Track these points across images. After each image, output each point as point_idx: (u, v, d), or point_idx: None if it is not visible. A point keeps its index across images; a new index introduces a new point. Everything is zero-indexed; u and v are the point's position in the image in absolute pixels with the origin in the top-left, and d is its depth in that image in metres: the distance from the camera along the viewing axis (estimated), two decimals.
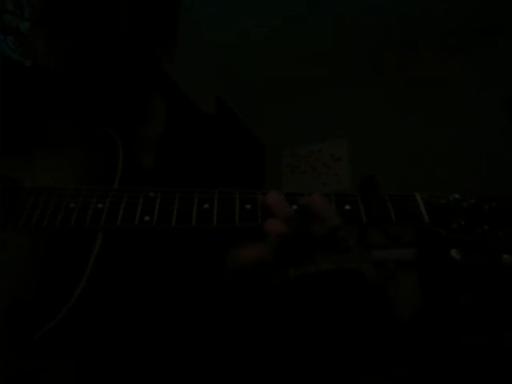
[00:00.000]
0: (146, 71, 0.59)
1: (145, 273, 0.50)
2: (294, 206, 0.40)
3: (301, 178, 2.98)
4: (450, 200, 0.44)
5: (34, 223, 0.39)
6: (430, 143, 2.56)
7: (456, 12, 2.34)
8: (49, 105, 0.54)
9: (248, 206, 0.40)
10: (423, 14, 2.36)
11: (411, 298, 1.95)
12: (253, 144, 3.01)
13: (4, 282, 0.36)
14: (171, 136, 0.64)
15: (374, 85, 2.89)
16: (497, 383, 1.22)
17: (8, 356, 0.35)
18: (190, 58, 2.28)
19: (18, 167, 0.44)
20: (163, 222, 0.39)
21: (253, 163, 2.91)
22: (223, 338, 0.53)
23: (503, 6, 2.26)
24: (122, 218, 0.39)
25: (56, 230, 0.39)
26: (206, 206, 0.40)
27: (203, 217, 0.40)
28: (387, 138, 2.68)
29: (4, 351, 0.34)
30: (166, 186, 0.43)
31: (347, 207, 0.41)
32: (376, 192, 0.43)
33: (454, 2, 2.27)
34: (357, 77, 2.88)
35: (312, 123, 3.04)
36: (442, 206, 0.43)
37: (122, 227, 0.39)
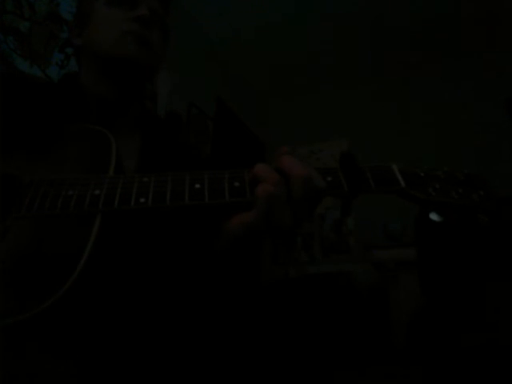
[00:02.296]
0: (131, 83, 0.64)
1: (140, 262, 0.51)
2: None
3: None
4: (425, 169, 0.47)
5: (35, 211, 0.41)
6: (430, 143, 2.56)
7: (456, 12, 2.34)
8: (43, 108, 0.57)
9: (237, 184, 0.44)
10: (423, 14, 2.36)
11: (411, 298, 1.95)
12: (253, 144, 3.02)
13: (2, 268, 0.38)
14: (169, 137, 0.65)
15: (374, 85, 2.89)
16: (497, 383, 1.23)
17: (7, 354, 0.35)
18: (190, 58, 2.28)
19: (16, 165, 0.46)
20: (158, 201, 0.41)
21: (253, 163, 2.91)
22: (219, 333, 0.54)
23: (503, 5, 2.26)
24: (118, 201, 0.41)
25: (56, 215, 0.41)
26: (197, 185, 0.43)
27: (195, 195, 0.42)
28: (387, 138, 2.68)
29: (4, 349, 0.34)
30: None
31: (329, 179, 0.44)
32: (354, 163, 0.46)
33: (455, 3, 2.27)
34: (357, 77, 2.88)
35: (312, 123, 3.04)
36: (417, 173, 0.46)
37: (119, 209, 0.41)
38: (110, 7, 0.61)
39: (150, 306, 0.51)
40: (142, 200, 0.41)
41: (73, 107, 0.60)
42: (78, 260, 0.38)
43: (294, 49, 2.66)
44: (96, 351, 0.44)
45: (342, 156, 0.46)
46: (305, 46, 2.65)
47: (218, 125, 2.56)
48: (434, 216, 0.44)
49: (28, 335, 0.36)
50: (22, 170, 0.45)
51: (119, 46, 0.59)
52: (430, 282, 1.59)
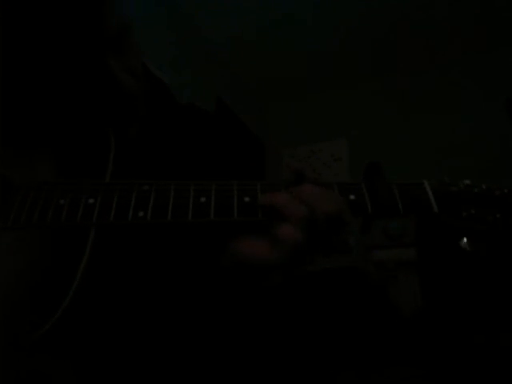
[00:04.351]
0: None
1: (141, 267, 0.49)
2: None
3: None
4: (461, 187, 0.41)
5: (23, 220, 0.37)
6: (429, 143, 2.55)
7: (456, 12, 2.33)
8: (39, 102, 0.53)
9: (247, 199, 0.39)
10: (424, 15, 2.35)
11: (411, 298, 1.95)
12: (253, 144, 3.01)
13: None
14: (167, 136, 0.64)
15: (373, 85, 2.88)
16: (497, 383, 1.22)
17: (7, 356, 0.34)
18: (190, 58, 2.28)
19: (6, 162, 0.43)
20: (158, 217, 0.38)
21: (253, 163, 2.91)
22: (220, 334, 0.53)
23: (504, 6, 2.25)
24: (114, 213, 0.37)
25: (46, 226, 0.37)
26: (202, 199, 0.39)
27: (200, 211, 0.38)
28: (387, 137, 2.68)
29: (3, 352, 0.34)
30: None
31: (352, 197, 0.40)
32: (381, 180, 0.41)
33: (455, 3, 2.26)
34: (357, 77, 2.87)
35: (312, 123, 3.04)
36: (452, 194, 0.41)
37: (116, 223, 0.37)
38: None
39: (149, 312, 0.49)
40: (141, 214, 0.37)
41: None
42: (73, 277, 0.35)
43: (294, 49, 2.65)
44: (95, 353, 0.43)
45: (368, 167, 0.41)
46: (305, 46, 2.64)
47: (218, 125, 2.55)
48: (465, 244, 0.39)
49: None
50: (10, 165, 0.42)
51: None
52: (430, 282, 1.59)
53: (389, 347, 1.56)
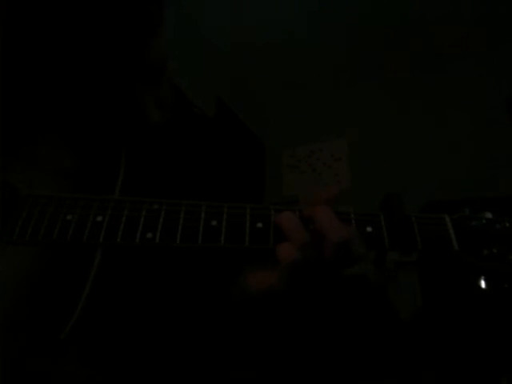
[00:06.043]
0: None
1: (148, 283, 0.49)
2: (311, 227, 0.37)
3: (301, 178, 2.98)
4: (483, 222, 0.39)
5: (28, 235, 0.36)
6: (430, 143, 2.55)
7: (456, 12, 2.33)
8: (49, 105, 0.52)
9: (259, 225, 0.37)
10: (424, 15, 2.36)
11: (411, 298, 1.95)
12: (253, 144, 3.01)
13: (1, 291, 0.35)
14: (169, 137, 0.64)
15: (374, 85, 2.88)
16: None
17: (17, 358, 0.34)
18: (190, 58, 2.28)
19: (14, 168, 0.42)
20: (167, 240, 0.36)
21: (253, 163, 2.91)
22: (226, 344, 0.52)
23: (504, 5, 2.25)
24: (122, 234, 0.36)
25: (52, 243, 0.36)
26: (213, 222, 0.37)
27: (210, 235, 0.37)
28: (387, 137, 2.68)
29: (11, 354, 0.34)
30: (166, 186, 0.42)
31: (369, 229, 0.38)
32: (401, 212, 0.39)
33: (455, 3, 2.26)
34: (357, 77, 2.87)
35: (312, 123, 3.04)
36: (474, 230, 0.39)
37: (123, 244, 0.36)
38: None
39: (155, 327, 0.48)
40: (149, 235, 0.36)
41: None
42: (78, 297, 0.35)
43: (294, 49, 2.66)
44: (104, 354, 0.43)
45: (386, 197, 0.39)
46: (305, 46, 2.64)
47: (218, 125, 2.55)
48: (483, 284, 0.37)
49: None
50: (18, 172, 0.40)
51: None
52: (430, 282, 1.59)
53: (386, 347, 1.56)
